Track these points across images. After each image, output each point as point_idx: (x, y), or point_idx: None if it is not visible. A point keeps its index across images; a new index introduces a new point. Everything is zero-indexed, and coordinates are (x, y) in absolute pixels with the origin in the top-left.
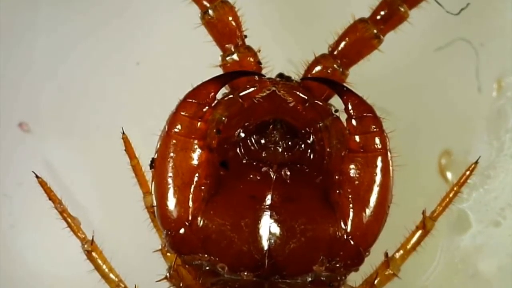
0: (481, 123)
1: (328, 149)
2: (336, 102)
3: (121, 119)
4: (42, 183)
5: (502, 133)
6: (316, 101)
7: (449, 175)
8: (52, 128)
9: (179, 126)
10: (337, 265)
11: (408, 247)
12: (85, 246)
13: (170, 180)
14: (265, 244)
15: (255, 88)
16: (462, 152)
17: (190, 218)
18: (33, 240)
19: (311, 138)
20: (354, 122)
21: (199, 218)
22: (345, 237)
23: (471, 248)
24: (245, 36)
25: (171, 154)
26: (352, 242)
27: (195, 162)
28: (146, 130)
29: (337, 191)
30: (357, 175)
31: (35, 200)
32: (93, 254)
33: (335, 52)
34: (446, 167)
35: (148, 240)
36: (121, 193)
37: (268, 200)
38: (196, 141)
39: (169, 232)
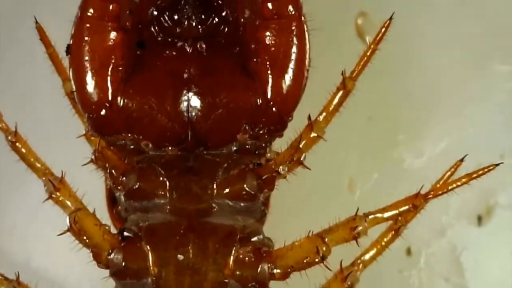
0: None
1: (242, 20)
2: None
3: None
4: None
5: None
6: None
7: (367, 38)
8: None
9: (91, 10)
10: (261, 132)
11: (331, 108)
12: (9, 137)
13: (87, 64)
14: (187, 118)
15: None
16: (378, 12)
17: (110, 99)
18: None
19: (224, 10)
20: None
21: (119, 98)
22: (266, 104)
23: None
24: None
25: (86, 38)
26: (273, 109)
27: (110, 44)
28: (60, 17)
29: (255, 60)
30: (272, 42)
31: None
32: (17, 144)
33: None
34: (363, 29)
35: None
36: None
37: (186, 75)
38: (109, 23)
39: (90, 115)
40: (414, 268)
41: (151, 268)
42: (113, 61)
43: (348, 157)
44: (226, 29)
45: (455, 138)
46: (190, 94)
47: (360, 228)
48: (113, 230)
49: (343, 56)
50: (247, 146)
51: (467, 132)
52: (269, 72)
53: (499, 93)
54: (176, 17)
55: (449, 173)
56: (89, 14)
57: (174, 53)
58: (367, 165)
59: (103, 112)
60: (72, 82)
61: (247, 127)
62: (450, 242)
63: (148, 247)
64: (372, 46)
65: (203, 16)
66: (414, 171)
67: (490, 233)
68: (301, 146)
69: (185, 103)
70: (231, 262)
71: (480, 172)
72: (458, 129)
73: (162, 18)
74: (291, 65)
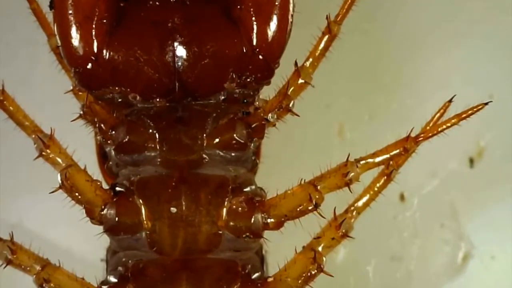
0: None
1: None
2: None
3: None
4: None
5: None
6: None
7: None
8: None
9: None
10: (248, 80)
11: (317, 54)
12: None
13: (71, 17)
14: (173, 68)
15: None
16: None
17: (95, 52)
18: None
19: None
20: None
21: (104, 51)
22: (252, 51)
23: None
24: None
25: None
26: (260, 56)
27: None
28: None
29: (239, 7)
30: None
31: None
32: (5, 103)
33: None
34: None
35: None
36: None
37: (171, 24)
38: None
39: (77, 70)
40: (408, 213)
41: (145, 222)
42: (97, 13)
43: (337, 102)
44: None
45: (444, 78)
46: (175, 43)
47: (352, 174)
48: (105, 186)
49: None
50: (235, 95)
51: (455, 72)
52: (253, 18)
53: (485, 29)
54: None
55: (438, 114)
56: None
57: (158, 2)
58: (356, 109)
59: (89, 65)
60: (57, 36)
61: (234, 76)
62: (443, 185)
63: (140, 200)
64: None
65: None
66: (403, 113)
67: (482, 175)
68: (289, 93)
69: (171, 53)
70: (224, 213)
71: (470, 111)
72: (447, 69)
73: None
74: (276, 10)
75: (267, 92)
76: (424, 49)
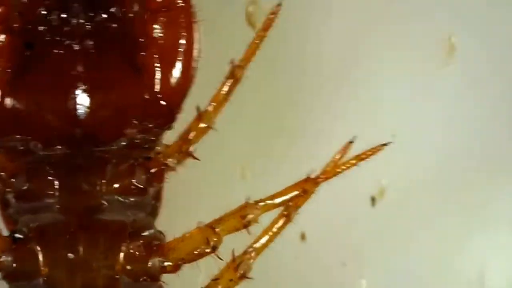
0: None
1: (130, 14)
2: None
3: None
4: None
5: None
6: None
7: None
8: None
9: None
10: (150, 126)
11: (220, 98)
12: None
13: None
14: (75, 115)
15: None
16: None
17: None
18: None
19: (113, 6)
20: None
21: (6, 100)
22: (154, 97)
23: None
24: None
25: None
26: (162, 102)
27: None
28: None
29: (142, 54)
30: (160, 35)
31: None
32: None
33: None
34: (254, 17)
35: None
36: None
37: (74, 73)
38: None
39: None
40: (310, 253)
41: (42, 268)
42: (1, 63)
43: (238, 145)
44: (115, 25)
45: (346, 120)
46: (78, 92)
47: (250, 216)
48: (6, 233)
49: (234, 45)
50: (136, 141)
51: (358, 113)
52: (156, 65)
53: (390, 70)
54: (64, 15)
55: (338, 155)
56: None
57: (62, 52)
58: (259, 152)
59: None
60: None
61: (135, 122)
62: (344, 225)
63: (38, 247)
64: (260, 33)
65: (91, 14)
66: (305, 154)
67: (383, 214)
68: (190, 137)
69: (73, 101)
70: (121, 258)
71: (369, 152)
72: (349, 111)
73: (50, 18)
74: (179, 57)
75: (172, 137)
76: (326, 90)
